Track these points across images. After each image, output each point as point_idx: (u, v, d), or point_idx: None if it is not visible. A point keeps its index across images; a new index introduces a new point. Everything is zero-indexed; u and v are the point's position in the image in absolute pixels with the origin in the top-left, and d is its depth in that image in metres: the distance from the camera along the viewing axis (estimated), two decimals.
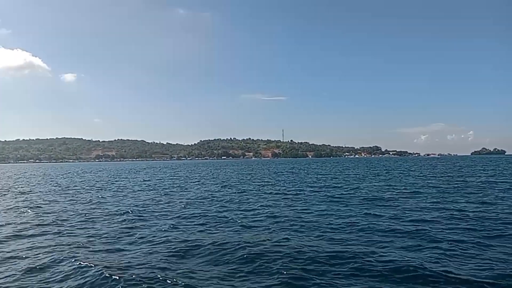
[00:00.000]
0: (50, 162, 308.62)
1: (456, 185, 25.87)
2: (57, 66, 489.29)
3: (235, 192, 24.15)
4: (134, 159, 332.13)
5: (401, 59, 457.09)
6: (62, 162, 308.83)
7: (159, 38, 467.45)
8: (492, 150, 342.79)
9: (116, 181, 40.15)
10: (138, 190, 27.10)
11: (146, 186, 31.20)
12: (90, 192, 26.21)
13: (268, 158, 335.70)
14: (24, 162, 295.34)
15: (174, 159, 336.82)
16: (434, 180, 31.26)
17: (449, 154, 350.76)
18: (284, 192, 23.74)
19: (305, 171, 55.99)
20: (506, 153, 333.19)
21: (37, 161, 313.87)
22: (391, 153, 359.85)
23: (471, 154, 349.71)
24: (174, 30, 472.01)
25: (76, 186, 33.29)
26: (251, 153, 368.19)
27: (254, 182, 34.40)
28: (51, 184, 36.76)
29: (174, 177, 45.26)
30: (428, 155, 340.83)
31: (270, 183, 32.14)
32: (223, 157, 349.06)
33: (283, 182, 33.66)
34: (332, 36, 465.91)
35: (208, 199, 20.23)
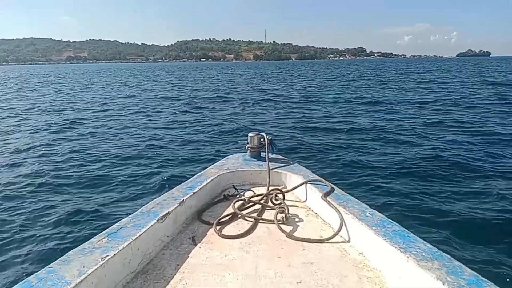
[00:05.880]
0: (18, 64, 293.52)
1: None
2: None
3: None
4: (108, 61, 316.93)
5: None
6: (31, 64, 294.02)
7: None
8: (477, 52, 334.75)
9: None
10: None
11: None
12: None
13: (250, 61, 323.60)
14: None
15: (150, 61, 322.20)
16: None
17: (434, 56, 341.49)
18: None
19: None
20: (491, 55, 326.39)
21: (3, 63, 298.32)
22: (376, 55, 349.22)
23: (457, 56, 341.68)
24: None
25: None
26: (232, 55, 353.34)
27: None
28: None
29: None
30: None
31: None
32: (202, 59, 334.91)
33: None
34: None
35: None
